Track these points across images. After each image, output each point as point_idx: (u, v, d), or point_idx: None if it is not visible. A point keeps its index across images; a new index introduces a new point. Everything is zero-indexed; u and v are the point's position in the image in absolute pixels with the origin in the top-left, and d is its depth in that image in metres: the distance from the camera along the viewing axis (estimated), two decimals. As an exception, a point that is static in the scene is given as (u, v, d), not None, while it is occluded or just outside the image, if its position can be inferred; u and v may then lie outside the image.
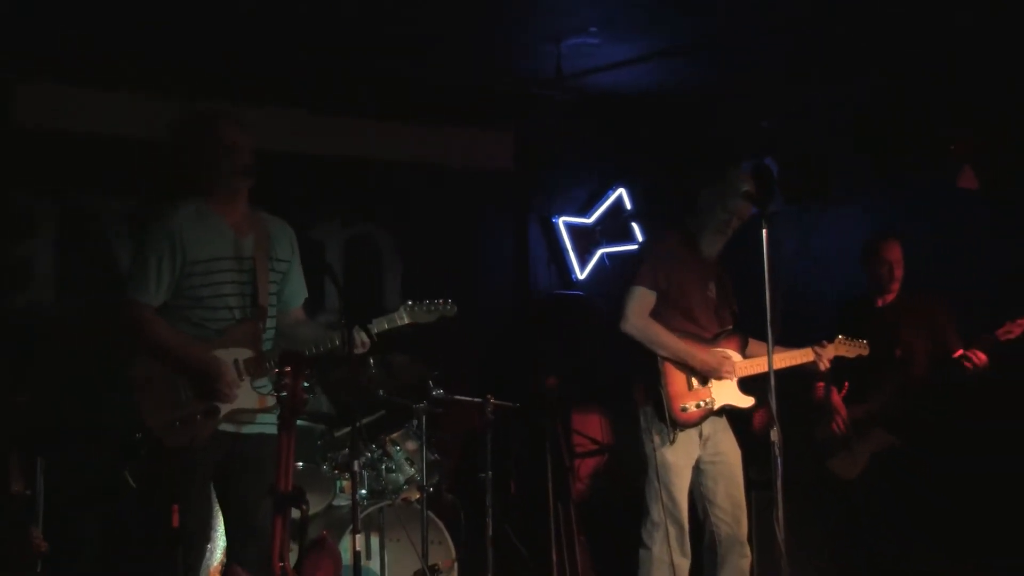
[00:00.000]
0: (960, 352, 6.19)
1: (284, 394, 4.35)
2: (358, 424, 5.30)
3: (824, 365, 5.96)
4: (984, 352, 6.11)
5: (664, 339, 5.63)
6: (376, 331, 4.89)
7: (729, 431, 5.84)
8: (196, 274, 4.77)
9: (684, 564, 5.67)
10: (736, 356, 5.79)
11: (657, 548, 5.64)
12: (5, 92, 6.75)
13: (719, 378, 5.67)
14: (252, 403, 4.84)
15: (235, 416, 4.80)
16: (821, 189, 7.77)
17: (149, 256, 4.75)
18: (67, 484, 6.29)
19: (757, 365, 5.73)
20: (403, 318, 5.05)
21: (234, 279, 4.83)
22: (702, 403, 5.67)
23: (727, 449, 5.80)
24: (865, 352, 6.12)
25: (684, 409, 5.63)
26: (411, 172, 7.92)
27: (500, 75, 7.80)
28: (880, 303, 6.55)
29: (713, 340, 5.78)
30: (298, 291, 5.14)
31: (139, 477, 5.97)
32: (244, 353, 4.83)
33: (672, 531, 5.61)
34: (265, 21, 6.66)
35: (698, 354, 5.66)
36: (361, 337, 4.83)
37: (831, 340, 6.09)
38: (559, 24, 6.78)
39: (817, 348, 5.94)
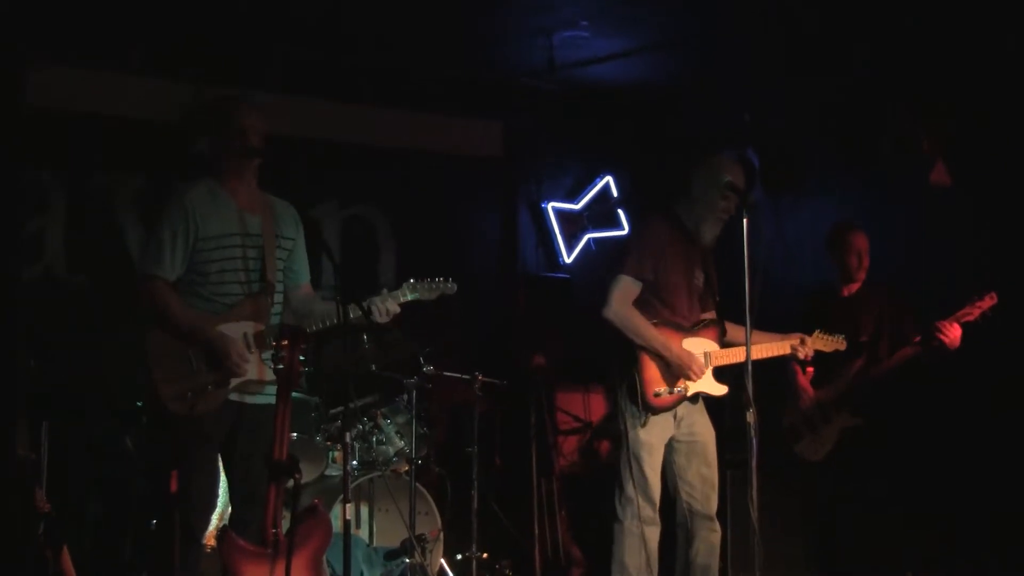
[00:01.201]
0: (917, 338, 6.29)
1: (281, 367, 4.54)
2: (352, 399, 5.46)
3: (802, 357, 6.02)
4: (958, 328, 6.18)
5: (643, 330, 5.68)
6: (388, 306, 5.03)
7: (704, 413, 5.91)
8: (207, 250, 4.91)
9: (653, 535, 5.76)
10: (713, 346, 5.84)
11: (628, 521, 5.72)
12: (17, 74, 6.74)
13: (688, 378, 5.74)
14: (261, 375, 4.97)
15: (243, 387, 4.94)
16: (798, 180, 7.89)
17: (164, 231, 4.88)
18: (70, 449, 6.44)
19: (733, 355, 5.78)
20: (406, 295, 5.16)
21: (243, 255, 4.97)
22: (675, 390, 5.74)
23: (700, 430, 5.87)
24: (842, 347, 6.14)
25: (657, 395, 5.70)
26: (407, 158, 8.07)
27: (493, 66, 7.90)
28: (846, 292, 6.63)
29: (691, 329, 5.83)
30: (304, 268, 5.27)
31: (142, 443, 6.15)
32: (252, 327, 4.96)
33: (643, 505, 5.69)
34: (268, 10, 6.81)
35: (673, 348, 5.71)
36: (388, 307, 5.00)
37: (805, 330, 6.14)
38: (551, 18, 6.92)
39: (794, 342, 5.98)
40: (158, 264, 4.88)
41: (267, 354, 4.96)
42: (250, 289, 4.99)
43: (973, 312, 6.18)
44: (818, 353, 6.19)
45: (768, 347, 5.92)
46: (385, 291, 5.13)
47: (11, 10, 6.50)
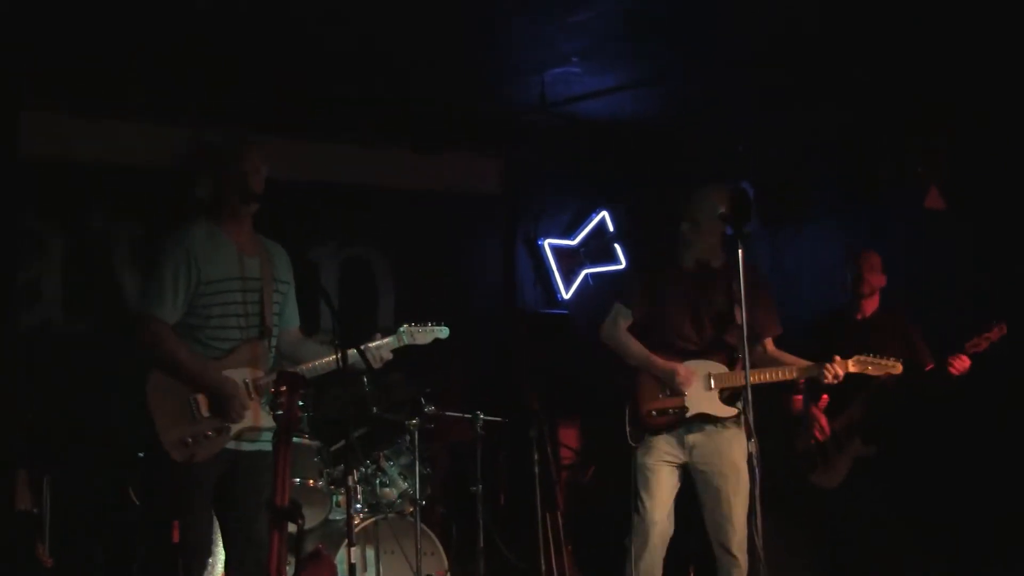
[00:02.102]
0: (931, 366, 6.26)
1: (280, 412, 4.52)
2: (352, 440, 5.45)
3: (830, 380, 5.83)
4: (967, 359, 6.14)
5: (630, 347, 5.84)
6: (383, 353, 5.10)
7: (732, 444, 5.78)
8: (208, 294, 4.86)
9: (652, 558, 5.76)
10: (720, 368, 5.80)
11: (628, 543, 5.78)
12: (10, 121, 6.89)
13: (676, 391, 5.76)
14: (264, 422, 4.94)
15: (240, 434, 4.91)
16: (796, 211, 7.89)
17: (166, 273, 4.82)
18: (72, 501, 6.42)
19: (736, 378, 5.70)
20: (402, 340, 5.23)
21: (242, 299, 4.94)
22: (672, 410, 5.77)
23: (718, 460, 5.78)
24: (897, 370, 5.91)
25: (652, 414, 5.77)
26: (404, 197, 8.11)
27: (487, 104, 7.93)
28: (859, 316, 6.60)
29: (698, 352, 5.83)
30: (294, 312, 5.25)
31: (142, 493, 6.13)
32: (250, 373, 4.94)
33: (640, 528, 5.73)
34: (263, 53, 6.86)
35: (657, 363, 5.79)
36: (382, 354, 5.07)
37: (816, 354, 6.12)
38: (543, 55, 6.96)
39: (826, 366, 5.81)
40: (159, 306, 4.82)
41: (265, 399, 4.93)
42: (249, 334, 4.96)
43: (981, 344, 6.15)
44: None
45: (789, 370, 5.86)
46: (379, 336, 5.17)
47: (7, 58, 6.55)
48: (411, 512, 6.55)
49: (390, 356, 5.14)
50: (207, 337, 4.90)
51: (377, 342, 5.14)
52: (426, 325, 5.35)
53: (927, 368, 6.32)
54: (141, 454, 4.95)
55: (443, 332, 5.41)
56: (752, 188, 7.83)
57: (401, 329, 5.26)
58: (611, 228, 8.78)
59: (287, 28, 6.57)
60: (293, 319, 5.25)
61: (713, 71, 7.23)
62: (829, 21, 6.45)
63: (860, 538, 6.47)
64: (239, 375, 4.92)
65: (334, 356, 4.96)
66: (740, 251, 5.33)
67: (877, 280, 6.60)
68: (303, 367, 5.01)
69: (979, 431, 6.89)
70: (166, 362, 4.82)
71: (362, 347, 5.01)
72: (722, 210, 5.74)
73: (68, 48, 6.65)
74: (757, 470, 5.24)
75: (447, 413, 6.82)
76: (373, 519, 6.54)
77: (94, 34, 6.50)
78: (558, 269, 8.65)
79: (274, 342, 5.09)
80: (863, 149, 7.63)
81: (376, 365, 5.05)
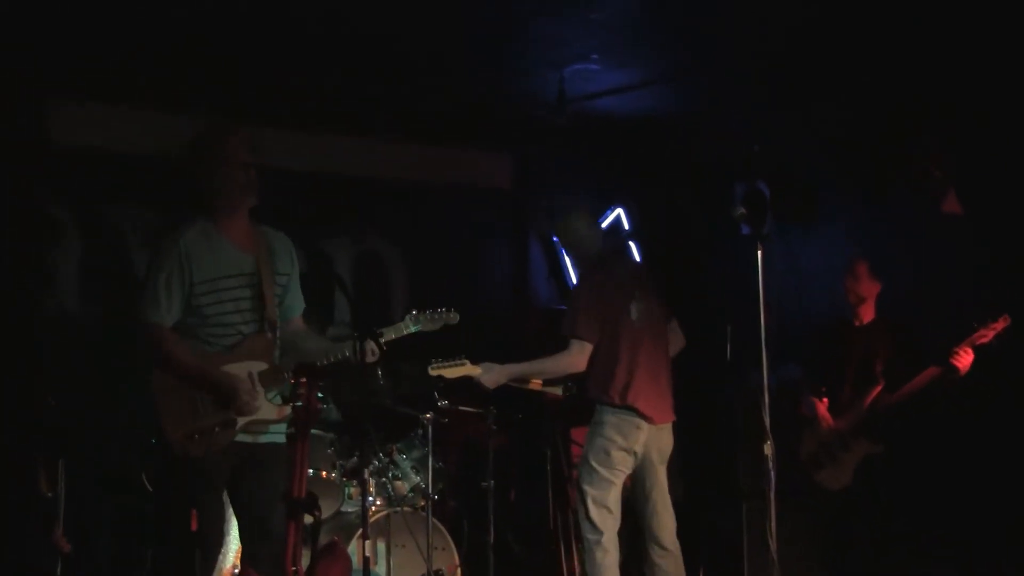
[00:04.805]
0: (933, 369, 6.23)
1: (299, 404, 4.54)
2: (370, 434, 5.45)
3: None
4: (971, 352, 6.12)
5: None
6: (384, 340, 5.05)
7: None
8: (203, 293, 4.88)
9: None
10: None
11: None
12: (40, 110, 6.93)
13: None
14: (269, 414, 4.95)
15: (251, 427, 4.92)
16: (808, 210, 7.90)
17: (159, 277, 4.85)
18: (87, 487, 6.45)
19: None
20: (409, 327, 5.24)
21: (241, 296, 4.94)
22: None
23: None
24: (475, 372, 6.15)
25: None
26: (418, 191, 8.12)
27: (503, 99, 7.90)
28: (856, 324, 6.65)
29: None
30: (297, 302, 5.24)
31: (155, 481, 6.15)
32: (258, 365, 4.94)
33: None
34: (280, 47, 6.86)
35: None
36: (370, 347, 4.97)
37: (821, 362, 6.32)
38: (562, 52, 6.94)
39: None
40: (155, 310, 4.85)
41: (271, 393, 4.96)
42: (251, 328, 4.97)
43: (987, 335, 6.12)
44: (832, 383, 6.24)
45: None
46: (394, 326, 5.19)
47: (30, 49, 6.56)
48: (423, 506, 6.56)
49: (375, 356, 5.05)
50: (207, 335, 4.91)
51: (386, 329, 5.15)
52: (436, 311, 5.36)
53: (928, 372, 6.27)
54: (153, 440, 4.96)
55: (453, 318, 5.41)
56: (768, 189, 7.83)
57: (408, 317, 5.27)
58: (626, 225, 8.75)
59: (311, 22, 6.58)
60: (296, 308, 5.25)
61: (727, 71, 7.21)
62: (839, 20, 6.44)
63: (867, 540, 6.47)
64: (244, 368, 4.92)
65: (336, 355, 4.99)
66: (759, 252, 5.35)
67: (865, 289, 6.64)
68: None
69: (987, 437, 6.80)
70: (167, 364, 4.84)
71: (377, 331, 5.01)
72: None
73: (95, 43, 6.68)
74: (772, 472, 5.29)
75: (460, 408, 6.82)
76: (385, 512, 6.55)
77: (118, 31, 6.53)
78: (572, 265, 8.61)
79: (279, 333, 5.07)
80: (874, 150, 7.60)
81: (370, 359, 4.99)
